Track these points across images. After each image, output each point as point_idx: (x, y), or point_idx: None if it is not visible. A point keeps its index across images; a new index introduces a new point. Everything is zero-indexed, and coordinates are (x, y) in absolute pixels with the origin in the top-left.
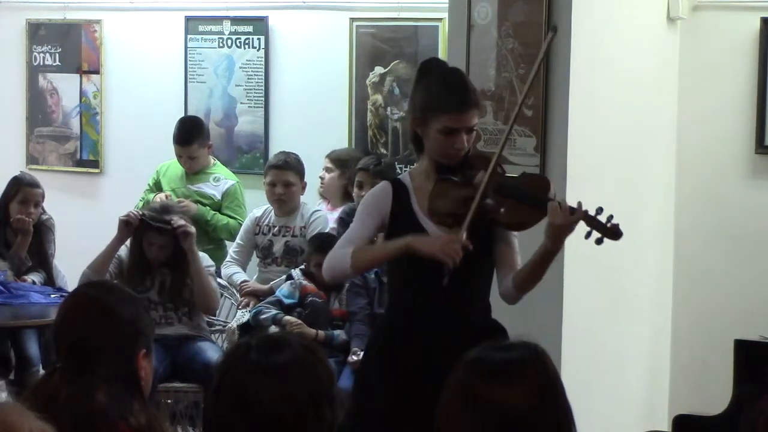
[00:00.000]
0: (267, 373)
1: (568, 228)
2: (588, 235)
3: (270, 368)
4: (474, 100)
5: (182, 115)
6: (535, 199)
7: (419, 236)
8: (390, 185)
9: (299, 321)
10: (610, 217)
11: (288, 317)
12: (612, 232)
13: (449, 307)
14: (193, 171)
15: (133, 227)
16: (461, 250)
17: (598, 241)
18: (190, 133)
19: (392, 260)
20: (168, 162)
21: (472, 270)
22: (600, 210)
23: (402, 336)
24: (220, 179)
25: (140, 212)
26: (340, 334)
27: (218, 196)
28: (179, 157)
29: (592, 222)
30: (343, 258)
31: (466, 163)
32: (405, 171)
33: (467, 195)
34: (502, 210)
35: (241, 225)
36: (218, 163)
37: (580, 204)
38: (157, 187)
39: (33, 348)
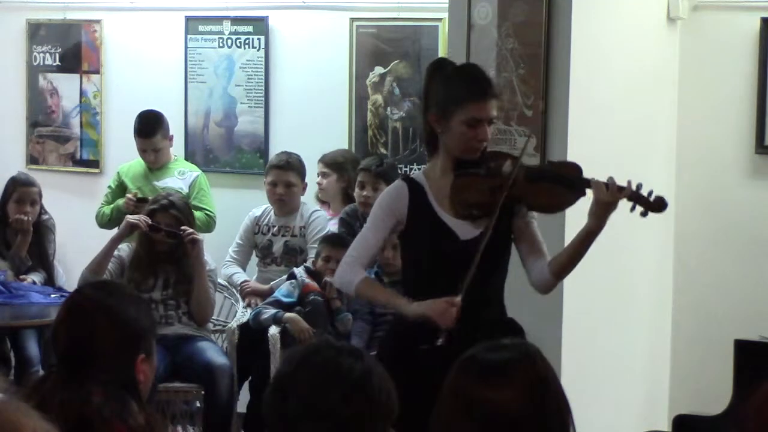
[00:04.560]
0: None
1: (614, 205)
2: (633, 208)
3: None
4: (495, 89)
5: (182, 115)
6: (573, 180)
7: (418, 303)
8: (405, 184)
9: (299, 317)
10: (651, 192)
11: (288, 314)
12: (656, 204)
13: (467, 304)
14: (158, 166)
15: (136, 230)
16: (455, 313)
17: (643, 214)
18: (152, 125)
19: (407, 259)
20: (128, 163)
21: (491, 266)
22: (640, 185)
23: (417, 335)
24: (185, 172)
25: (147, 220)
26: (347, 314)
27: (186, 189)
28: (143, 151)
29: (637, 197)
30: (349, 282)
31: (485, 158)
32: (405, 171)
33: (495, 185)
34: (535, 194)
35: (209, 217)
36: (180, 157)
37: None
38: (120, 188)
39: (33, 348)
